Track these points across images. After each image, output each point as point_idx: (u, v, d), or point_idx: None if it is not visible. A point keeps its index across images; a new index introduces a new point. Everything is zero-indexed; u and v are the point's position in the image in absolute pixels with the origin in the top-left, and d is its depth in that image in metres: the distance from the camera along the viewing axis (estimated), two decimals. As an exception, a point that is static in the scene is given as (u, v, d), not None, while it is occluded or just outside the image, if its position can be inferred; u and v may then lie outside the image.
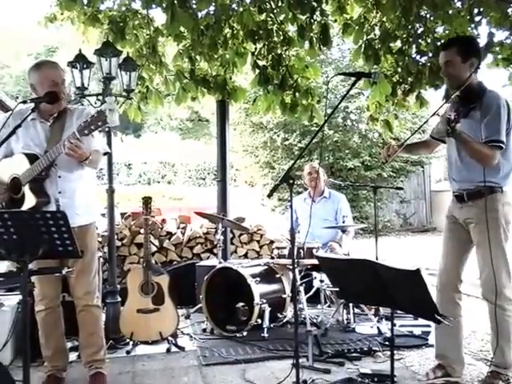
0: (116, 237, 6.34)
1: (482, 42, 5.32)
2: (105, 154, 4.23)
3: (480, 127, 3.62)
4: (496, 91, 3.82)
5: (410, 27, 5.43)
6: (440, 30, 5.57)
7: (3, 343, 4.16)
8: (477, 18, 5.27)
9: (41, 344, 4.08)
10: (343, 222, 6.46)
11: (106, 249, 5.94)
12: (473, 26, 5.30)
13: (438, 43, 5.39)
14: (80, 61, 5.16)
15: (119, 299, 5.31)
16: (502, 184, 3.77)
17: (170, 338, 5.09)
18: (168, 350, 5.00)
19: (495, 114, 3.63)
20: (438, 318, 2.84)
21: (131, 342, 5.05)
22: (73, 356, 4.56)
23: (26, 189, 3.77)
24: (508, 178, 3.81)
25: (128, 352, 4.95)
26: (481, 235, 3.71)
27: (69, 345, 4.45)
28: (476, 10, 5.23)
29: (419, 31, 5.49)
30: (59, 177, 3.86)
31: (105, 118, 3.55)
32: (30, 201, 3.75)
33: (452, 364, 3.92)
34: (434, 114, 3.90)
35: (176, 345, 5.08)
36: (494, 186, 3.75)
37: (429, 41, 5.43)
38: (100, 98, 5.23)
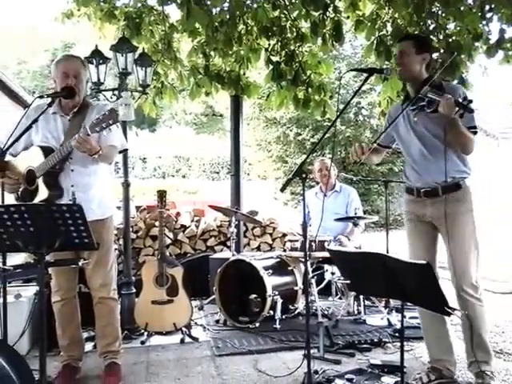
0: (131, 229, 6.43)
1: (494, 38, 5.35)
2: (123, 150, 4.30)
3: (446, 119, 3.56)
4: (451, 83, 3.84)
5: (421, 24, 5.41)
6: (451, 26, 5.58)
7: (20, 333, 4.21)
8: (488, 15, 5.28)
9: (57, 334, 4.13)
10: (355, 214, 6.47)
11: (121, 241, 6.00)
12: (484, 22, 5.31)
13: (450, 40, 5.40)
14: (96, 56, 5.24)
15: (134, 290, 5.39)
16: (470, 172, 3.77)
17: (183, 329, 5.16)
18: (182, 341, 5.07)
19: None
20: (448, 310, 2.85)
21: (146, 333, 5.13)
22: (89, 346, 4.62)
23: (40, 181, 3.82)
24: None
25: (143, 342, 5.03)
26: (455, 228, 3.66)
27: (85, 335, 4.51)
28: (487, 7, 5.23)
29: (431, 28, 5.48)
30: (72, 170, 3.89)
31: (116, 117, 3.56)
32: (42, 193, 3.81)
33: (447, 365, 3.86)
34: (401, 112, 3.79)
35: (190, 335, 5.16)
36: (466, 177, 3.74)
37: (441, 37, 5.42)
38: (116, 92, 5.30)
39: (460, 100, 3.30)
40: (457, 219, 3.65)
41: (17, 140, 3.55)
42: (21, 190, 3.94)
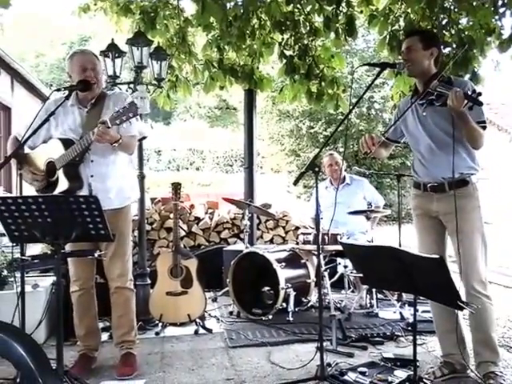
0: (146, 221, 6.49)
1: (506, 33, 5.31)
2: (142, 138, 4.35)
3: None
4: (459, 78, 3.79)
5: (434, 18, 5.39)
6: (464, 21, 5.52)
7: (37, 323, 4.30)
8: (501, 10, 5.22)
9: (74, 324, 4.19)
10: (369, 206, 6.42)
11: (136, 233, 6.05)
12: (497, 17, 5.25)
13: (462, 35, 5.37)
14: (112, 50, 5.29)
15: (149, 282, 5.43)
16: (478, 169, 3.72)
17: (197, 320, 5.21)
18: (196, 332, 5.11)
19: None
20: (461, 304, 2.86)
21: (160, 324, 5.18)
22: (104, 336, 4.67)
23: (60, 173, 3.87)
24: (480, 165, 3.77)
25: (157, 333, 5.08)
26: (463, 224, 3.57)
27: (100, 325, 4.53)
28: (500, 2, 5.18)
29: (443, 22, 5.46)
30: (92, 161, 3.94)
31: (136, 110, 3.61)
32: (62, 184, 3.85)
33: (460, 360, 3.81)
34: (409, 106, 3.79)
35: (204, 327, 5.20)
36: (473, 174, 3.70)
37: (453, 32, 5.38)
38: (131, 86, 5.35)
39: (469, 93, 3.27)
40: (464, 216, 3.59)
41: (34, 133, 3.58)
42: (41, 181, 3.98)
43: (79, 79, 3.88)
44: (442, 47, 3.98)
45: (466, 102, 3.27)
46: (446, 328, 3.90)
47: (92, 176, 3.94)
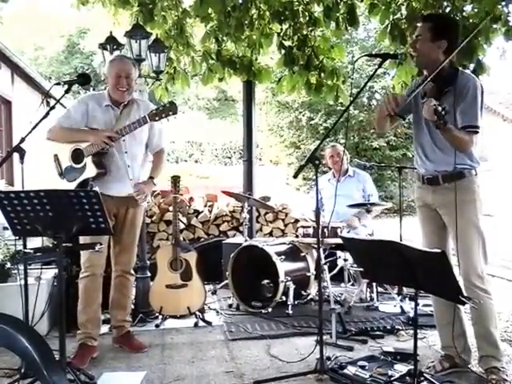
0: (146, 214, 6.48)
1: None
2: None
3: (453, 111, 3.49)
4: (468, 72, 3.73)
5: (437, 6, 5.31)
6: (468, 8, 5.39)
7: (40, 314, 4.34)
8: (508, -4, 5.16)
9: (78, 311, 4.25)
10: (368, 201, 6.42)
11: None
12: (503, 3, 5.09)
13: (467, 23, 5.23)
14: (110, 43, 5.31)
15: (149, 274, 5.44)
16: (476, 166, 3.67)
17: (197, 313, 5.21)
18: (195, 325, 5.12)
19: (472, 99, 3.51)
20: (463, 299, 2.84)
21: (160, 316, 5.18)
22: (104, 329, 4.69)
23: (88, 160, 4.20)
24: (479, 161, 3.72)
25: (157, 325, 5.09)
26: (458, 217, 3.53)
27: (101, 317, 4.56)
28: (507, -12, 5.11)
29: (447, 10, 5.35)
30: (128, 166, 4.38)
31: (176, 109, 4.19)
32: (90, 171, 4.19)
33: (460, 353, 3.76)
34: (411, 95, 3.70)
35: (203, 319, 5.21)
36: (469, 168, 3.64)
37: (457, 20, 5.33)
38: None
39: (439, 109, 3.17)
40: (459, 208, 3.54)
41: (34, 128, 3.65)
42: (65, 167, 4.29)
43: (113, 84, 4.26)
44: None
45: (437, 119, 3.21)
46: (446, 321, 3.86)
47: (129, 166, 4.38)
